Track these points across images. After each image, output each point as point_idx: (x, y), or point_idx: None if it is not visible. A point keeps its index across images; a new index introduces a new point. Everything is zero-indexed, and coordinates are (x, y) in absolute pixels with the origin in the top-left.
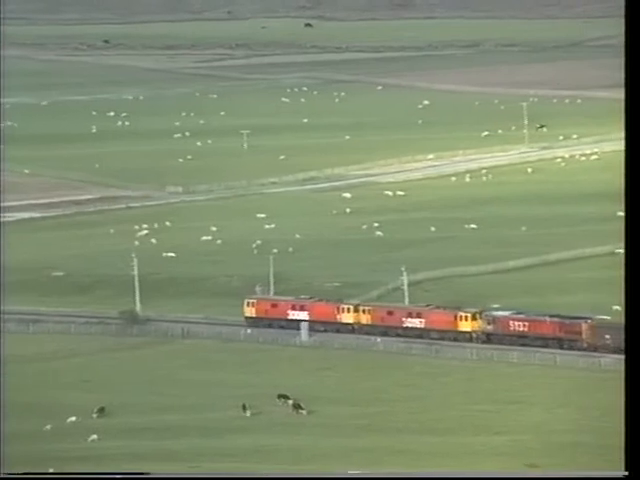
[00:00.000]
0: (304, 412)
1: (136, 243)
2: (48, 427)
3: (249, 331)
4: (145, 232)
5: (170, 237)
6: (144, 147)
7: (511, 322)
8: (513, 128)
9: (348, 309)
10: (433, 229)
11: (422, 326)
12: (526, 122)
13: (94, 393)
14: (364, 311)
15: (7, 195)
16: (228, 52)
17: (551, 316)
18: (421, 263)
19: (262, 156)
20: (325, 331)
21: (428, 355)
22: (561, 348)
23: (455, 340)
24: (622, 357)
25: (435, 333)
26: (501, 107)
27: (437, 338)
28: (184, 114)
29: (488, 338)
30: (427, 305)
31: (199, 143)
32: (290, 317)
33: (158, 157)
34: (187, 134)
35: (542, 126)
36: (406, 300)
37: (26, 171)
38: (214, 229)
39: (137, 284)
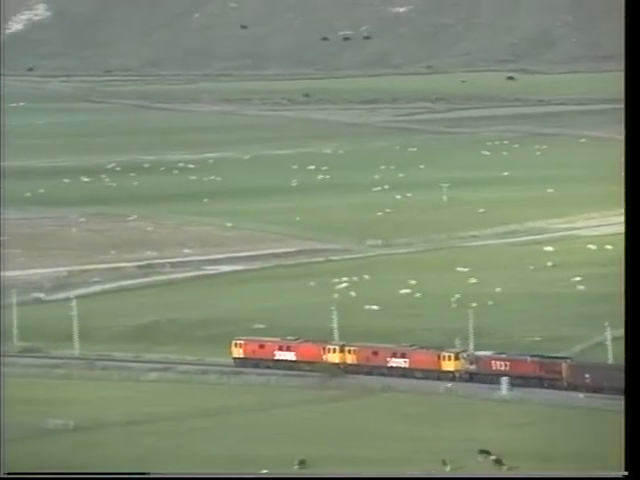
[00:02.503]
0: (505, 468)
1: (335, 296)
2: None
3: (449, 385)
4: (344, 285)
5: (369, 290)
6: (344, 200)
7: (493, 362)
8: None
9: (334, 349)
10: None
11: (406, 366)
12: None
13: (293, 445)
14: (349, 351)
15: (211, 248)
16: (428, 105)
17: (532, 356)
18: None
19: (462, 209)
20: (311, 371)
21: None
22: (542, 387)
23: (438, 379)
24: None
25: (419, 373)
26: None
27: (421, 377)
28: (383, 167)
29: (471, 377)
30: (411, 345)
31: (398, 196)
32: (277, 357)
33: (357, 210)
34: (386, 187)
35: None
36: (609, 356)
37: (229, 224)
38: (413, 282)
39: (337, 337)
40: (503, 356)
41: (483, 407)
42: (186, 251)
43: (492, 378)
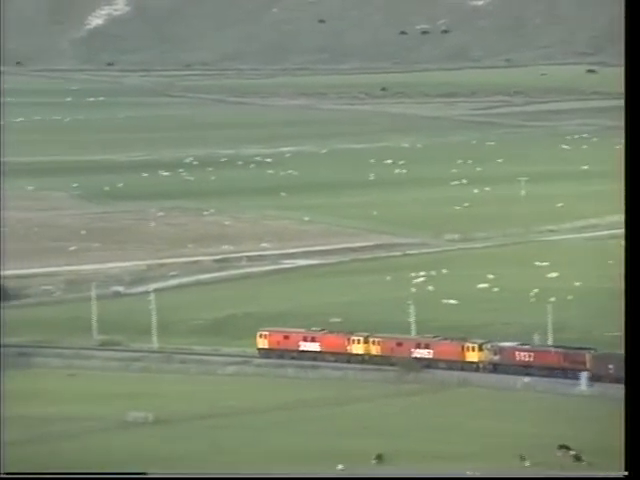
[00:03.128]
0: (584, 464)
1: (413, 290)
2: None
3: (526, 380)
4: (422, 279)
5: (447, 284)
6: (421, 195)
7: (517, 353)
8: None
9: (358, 340)
10: None
11: (430, 356)
12: None
13: (371, 439)
14: (374, 342)
15: (288, 242)
16: (507, 99)
17: (555, 347)
18: None
19: (540, 203)
20: (336, 361)
21: None
22: (565, 378)
23: (462, 370)
24: None
25: (443, 363)
26: None
27: (445, 368)
28: (461, 161)
29: (494, 368)
30: (435, 336)
31: (476, 190)
32: (301, 348)
33: (435, 204)
34: (464, 181)
35: None
36: None
37: (306, 218)
38: (491, 276)
39: (414, 331)
40: (527, 347)
41: (562, 402)
42: (263, 245)
43: (516, 369)
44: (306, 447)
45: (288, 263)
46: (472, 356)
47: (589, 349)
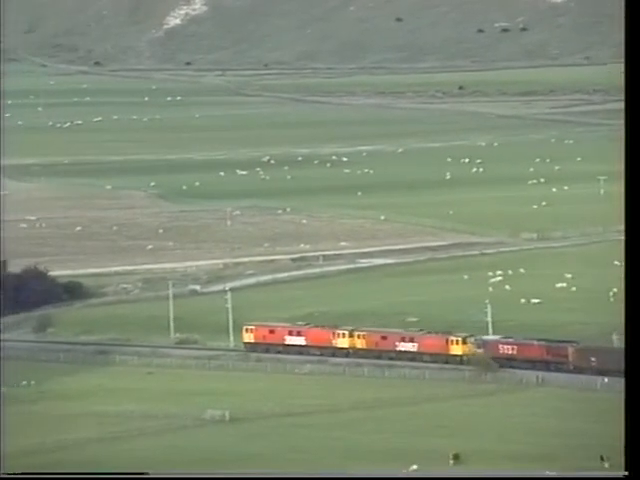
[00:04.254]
0: None
1: (490, 289)
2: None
3: (606, 380)
4: (499, 279)
5: (524, 284)
6: (498, 193)
7: (500, 346)
8: None
9: (343, 334)
10: None
11: (415, 350)
12: None
13: (447, 439)
14: (359, 336)
15: (364, 241)
16: (585, 97)
17: (538, 340)
18: None
19: (619, 202)
20: (322, 355)
21: None
22: (548, 370)
23: (446, 363)
24: None
25: (427, 357)
26: None
27: (429, 361)
28: (538, 160)
29: None
30: (419, 330)
31: (554, 189)
32: (287, 342)
33: (512, 203)
34: (542, 180)
35: None
36: None
37: (382, 217)
38: (569, 276)
39: (491, 331)
40: (510, 340)
41: None
42: (339, 244)
43: (500, 361)
44: (381, 446)
45: (364, 262)
46: (456, 349)
47: (571, 342)
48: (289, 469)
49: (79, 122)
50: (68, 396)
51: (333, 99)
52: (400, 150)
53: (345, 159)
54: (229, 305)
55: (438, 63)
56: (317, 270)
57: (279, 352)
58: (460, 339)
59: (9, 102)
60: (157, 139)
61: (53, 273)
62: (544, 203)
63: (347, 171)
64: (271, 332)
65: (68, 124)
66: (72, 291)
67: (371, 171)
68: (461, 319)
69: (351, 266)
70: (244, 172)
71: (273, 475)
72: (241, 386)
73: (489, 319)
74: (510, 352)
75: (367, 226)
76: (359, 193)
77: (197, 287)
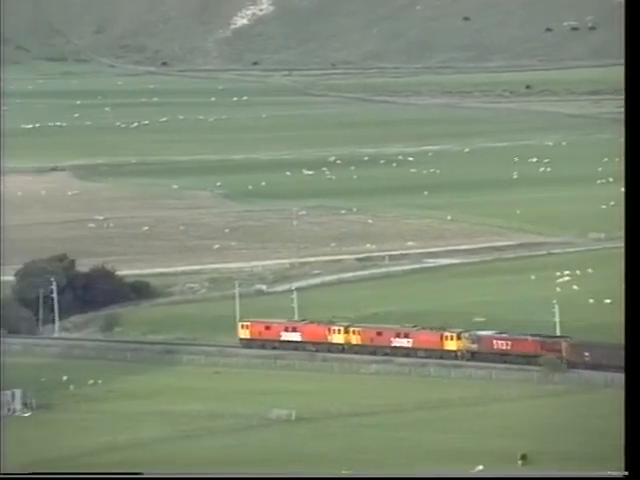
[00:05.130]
0: None
1: (557, 290)
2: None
3: None
4: (567, 279)
5: (593, 284)
6: (565, 193)
7: (495, 341)
8: None
9: (339, 330)
10: None
11: (410, 345)
12: None
13: (514, 440)
14: (354, 332)
15: (430, 241)
16: None
17: (532, 335)
18: None
19: None
20: (317, 351)
21: None
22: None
23: (441, 359)
24: None
25: (422, 352)
26: None
27: (424, 357)
28: (607, 160)
29: (472, 356)
30: (414, 326)
31: (622, 189)
32: (283, 338)
33: (580, 203)
34: (610, 180)
35: None
36: None
37: (448, 217)
38: None
39: (558, 331)
40: (504, 335)
41: None
42: (405, 244)
43: (494, 357)
44: (447, 447)
45: (430, 262)
46: (451, 345)
47: (565, 337)
48: (355, 469)
49: (146, 122)
50: (136, 395)
51: (400, 99)
52: (467, 150)
53: (411, 159)
54: (295, 305)
55: (505, 62)
56: (383, 270)
57: (274, 348)
58: (454, 334)
59: (77, 102)
60: (223, 139)
61: (120, 273)
62: (612, 203)
63: (413, 171)
64: (267, 328)
65: (135, 124)
66: (139, 290)
67: (437, 171)
68: (528, 319)
69: (417, 266)
70: (310, 172)
71: (273, 475)
72: (307, 386)
73: (557, 319)
74: (504, 347)
75: (433, 226)
76: (425, 193)
77: (263, 287)
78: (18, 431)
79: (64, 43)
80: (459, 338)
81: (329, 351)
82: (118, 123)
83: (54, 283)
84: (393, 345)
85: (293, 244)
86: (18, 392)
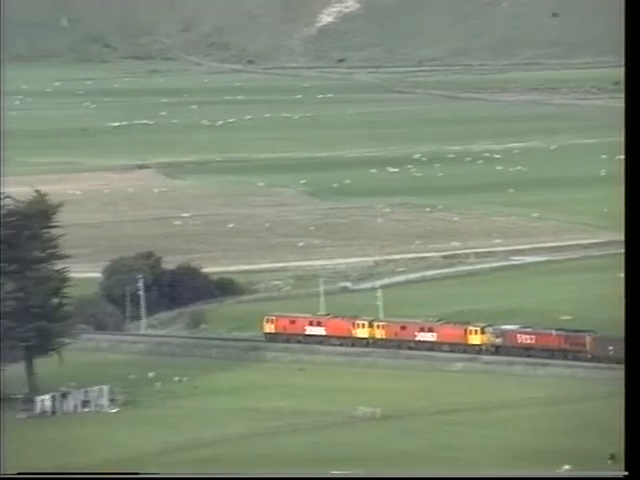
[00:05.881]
0: None
1: None
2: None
3: None
4: None
5: None
6: None
7: (518, 335)
8: None
9: (363, 325)
10: None
11: (434, 339)
12: None
13: (601, 440)
14: (378, 326)
15: (516, 239)
16: None
17: (557, 329)
18: None
19: None
20: (341, 345)
21: None
22: (566, 359)
23: (465, 353)
24: None
25: (446, 346)
26: None
27: (448, 351)
28: None
29: (496, 350)
30: (438, 320)
31: None
32: (307, 332)
33: None
34: None
35: None
36: None
37: (534, 215)
38: None
39: None
40: (528, 330)
41: None
42: (491, 242)
43: (518, 351)
44: (533, 446)
45: (517, 260)
46: (475, 339)
47: (589, 332)
48: (439, 468)
49: (232, 120)
50: (220, 392)
51: (486, 95)
52: (553, 147)
53: (497, 156)
54: (380, 302)
55: (593, 59)
56: (468, 268)
57: (299, 342)
58: (478, 329)
59: (164, 100)
60: (308, 137)
61: (205, 270)
62: None
63: (499, 168)
64: (292, 322)
65: (221, 122)
66: (224, 288)
67: (524, 168)
68: (615, 318)
69: (503, 264)
70: (395, 169)
71: (273, 475)
72: (391, 383)
73: None
74: (528, 342)
75: (519, 223)
76: (511, 190)
77: (348, 284)
78: (105, 427)
79: (151, 41)
80: (483, 332)
81: (353, 345)
82: (204, 121)
83: (141, 280)
84: (417, 339)
85: (378, 241)
86: (105, 388)
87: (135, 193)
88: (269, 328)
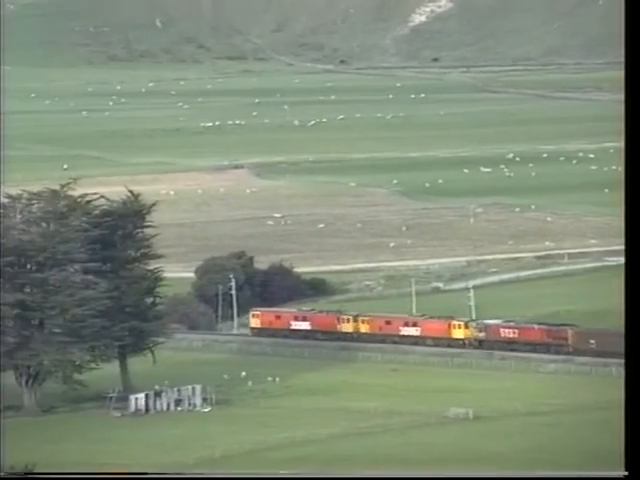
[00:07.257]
0: None
1: None
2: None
3: None
4: None
5: None
6: None
7: (501, 329)
8: None
9: (348, 319)
10: None
11: (418, 334)
12: None
13: None
14: (363, 321)
15: (611, 239)
16: None
17: (539, 323)
18: None
19: None
20: (326, 340)
21: None
22: (548, 353)
23: (449, 347)
24: None
25: (430, 341)
26: None
27: (432, 345)
28: None
29: (480, 344)
30: (422, 315)
31: None
32: (292, 327)
33: None
34: None
35: None
36: None
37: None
38: None
39: None
40: (511, 324)
41: None
42: (585, 242)
43: (501, 345)
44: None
45: (612, 261)
46: (458, 333)
47: (571, 325)
48: (533, 469)
49: (324, 120)
50: (313, 391)
51: (580, 95)
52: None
53: (592, 156)
54: (472, 303)
55: None
56: (562, 268)
57: (285, 337)
58: (462, 323)
59: (256, 101)
60: (400, 137)
61: (297, 270)
62: None
63: (594, 168)
64: (277, 317)
65: (313, 122)
66: (316, 287)
67: (619, 168)
68: None
69: (597, 264)
70: (488, 169)
71: (273, 475)
72: (484, 384)
73: None
74: (511, 336)
75: (614, 224)
76: (606, 190)
77: (440, 284)
78: (198, 426)
79: (244, 42)
80: (466, 327)
81: (338, 340)
82: (296, 121)
83: (233, 280)
84: (402, 334)
85: (470, 242)
86: (198, 387)
87: (227, 193)
88: (255, 323)
